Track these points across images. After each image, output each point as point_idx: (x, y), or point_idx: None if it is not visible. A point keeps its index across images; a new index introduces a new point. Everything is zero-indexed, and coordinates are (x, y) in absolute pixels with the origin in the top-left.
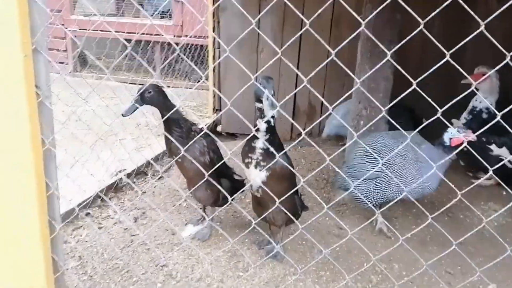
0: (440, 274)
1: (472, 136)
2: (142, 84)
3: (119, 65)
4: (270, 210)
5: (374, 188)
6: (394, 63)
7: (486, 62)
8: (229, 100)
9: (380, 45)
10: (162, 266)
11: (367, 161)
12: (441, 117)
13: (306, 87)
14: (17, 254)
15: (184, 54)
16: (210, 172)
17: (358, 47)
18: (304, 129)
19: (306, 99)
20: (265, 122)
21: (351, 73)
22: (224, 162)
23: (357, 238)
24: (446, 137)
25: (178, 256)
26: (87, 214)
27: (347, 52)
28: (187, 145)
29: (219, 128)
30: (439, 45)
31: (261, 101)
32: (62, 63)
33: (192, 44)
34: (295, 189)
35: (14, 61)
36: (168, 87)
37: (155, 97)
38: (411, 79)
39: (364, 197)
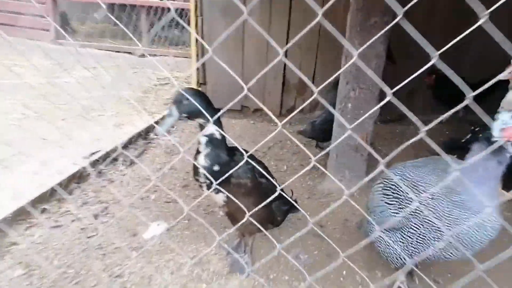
0: (426, 283)
1: None
2: (130, 53)
3: (103, 31)
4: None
5: (401, 241)
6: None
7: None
8: (215, 73)
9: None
10: (116, 276)
11: (386, 203)
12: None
13: (297, 59)
14: None
15: (171, 20)
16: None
17: (348, 19)
18: (294, 105)
19: (296, 73)
20: (205, 136)
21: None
22: None
23: (337, 239)
24: (495, 128)
25: (135, 264)
26: (44, 209)
27: (340, 24)
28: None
29: None
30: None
31: (196, 116)
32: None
33: (180, 9)
34: (269, 199)
35: None
36: (155, 55)
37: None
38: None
39: (387, 253)
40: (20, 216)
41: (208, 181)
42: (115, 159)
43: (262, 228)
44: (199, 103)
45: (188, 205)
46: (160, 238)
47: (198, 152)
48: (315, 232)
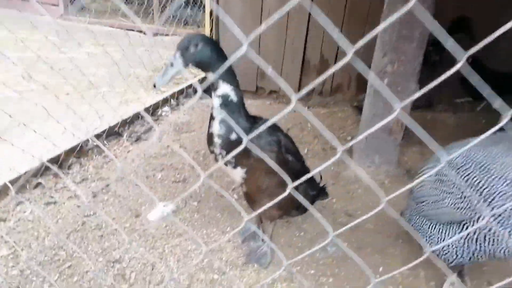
0: (481, 284)
1: None
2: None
3: (113, 9)
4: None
5: (460, 238)
6: None
7: None
8: (229, 50)
9: None
10: (114, 262)
11: (443, 190)
12: None
13: (318, 36)
14: None
15: None
16: None
17: None
18: (314, 87)
19: (317, 52)
20: (218, 96)
21: None
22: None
23: (372, 230)
24: None
25: (137, 248)
26: (38, 184)
27: None
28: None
29: None
30: None
31: (206, 68)
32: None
33: None
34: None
35: None
36: (167, 35)
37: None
38: None
39: (439, 249)
40: (10, 190)
41: (224, 152)
42: (120, 134)
43: (310, 207)
44: (210, 52)
45: (199, 186)
46: (166, 220)
47: (212, 117)
48: (344, 221)
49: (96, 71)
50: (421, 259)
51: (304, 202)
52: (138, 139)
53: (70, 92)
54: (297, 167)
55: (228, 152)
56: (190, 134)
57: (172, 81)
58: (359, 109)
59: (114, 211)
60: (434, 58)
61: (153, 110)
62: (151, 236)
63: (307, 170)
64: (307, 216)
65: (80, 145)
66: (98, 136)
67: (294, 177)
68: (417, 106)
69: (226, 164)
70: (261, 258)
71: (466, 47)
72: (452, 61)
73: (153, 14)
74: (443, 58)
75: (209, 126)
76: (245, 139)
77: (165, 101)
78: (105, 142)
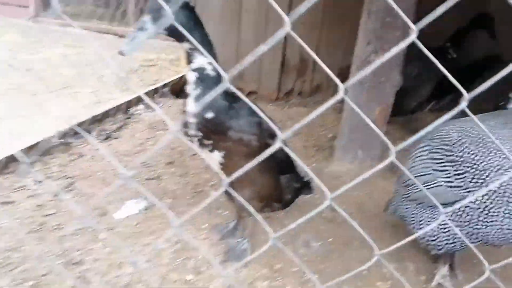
0: (473, 276)
1: None
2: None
3: (88, 13)
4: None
5: (452, 219)
6: None
7: None
8: (207, 18)
9: None
10: (75, 263)
11: (434, 169)
12: None
13: (298, 37)
14: None
15: None
16: None
17: None
18: (293, 87)
19: (297, 52)
20: (194, 70)
21: None
22: None
23: (357, 224)
24: None
25: (102, 249)
26: None
27: None
28: None
29: None
30: None
31: (180, 36)
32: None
33: None
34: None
35: None
36: None
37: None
38: None
39: (429, 235)
40: None
41: (200, 134)
42: (88, 132)
43: (305, 167)
44: (185, 18)
45: (174, 183)
46: (136, 218)
47: (186, 95)
48: (329, 216)
49: (67, 72)
50: (436, 223)
51: (293, 155)
52: (108, 137)
53: (39, 91)
54: (279, 155)
55: (204, 134)
56: (165, 132)
57: (141, 47)
58: None
59: (78, 209)
60: (452, 54)
61: (126, 108)
62: (120, 235)
63: (290, 159)
64: (289, 211)
65: (42, 141)
66: (64, 134)
67: (277, 165)
68: (395, 114)
69: (202, 147)
70: (241, 256)
71: (485, 44)
72: (470, 58)
73: (126, 13)
74: (460, 54)
75: (184, 105)
76: (227, 77)
77: (139, 100)
78: (72, 139)
